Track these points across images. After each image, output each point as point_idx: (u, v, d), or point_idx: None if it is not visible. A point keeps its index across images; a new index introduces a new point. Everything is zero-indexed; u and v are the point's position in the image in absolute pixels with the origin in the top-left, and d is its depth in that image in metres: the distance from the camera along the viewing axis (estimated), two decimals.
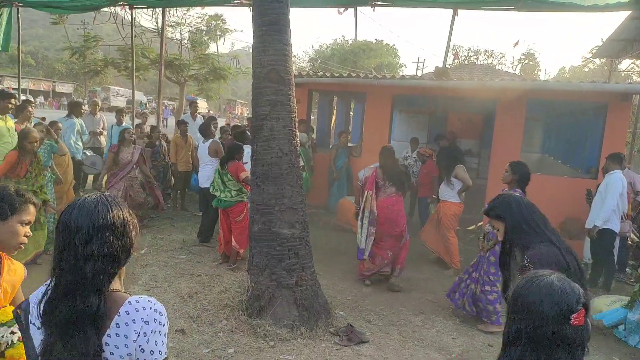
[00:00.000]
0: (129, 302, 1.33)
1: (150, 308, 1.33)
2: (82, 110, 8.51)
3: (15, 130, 6.13)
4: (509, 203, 2.50)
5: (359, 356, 3.80)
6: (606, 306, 4.92)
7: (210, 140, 6.53)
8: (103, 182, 6.82)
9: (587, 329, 1.19)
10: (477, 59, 48.82)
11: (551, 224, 2.43)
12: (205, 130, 6.71)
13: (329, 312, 4.38)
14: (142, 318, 1.31)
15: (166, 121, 16.57)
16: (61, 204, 6.26)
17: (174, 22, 22.18)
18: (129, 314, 1.30)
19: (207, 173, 6.41)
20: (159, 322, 1.33)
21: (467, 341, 4.29)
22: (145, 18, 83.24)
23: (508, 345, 1.22)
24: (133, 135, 6.91)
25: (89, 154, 8.32)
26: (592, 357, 4.15)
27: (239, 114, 45.27)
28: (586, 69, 48.66)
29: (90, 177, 9.49)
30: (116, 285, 1.39)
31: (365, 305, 4.89)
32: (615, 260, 6.06)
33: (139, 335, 1.29)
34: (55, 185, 5.84)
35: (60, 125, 6.76)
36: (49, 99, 40.75)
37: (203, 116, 11.27)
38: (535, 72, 53.64)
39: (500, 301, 4.43)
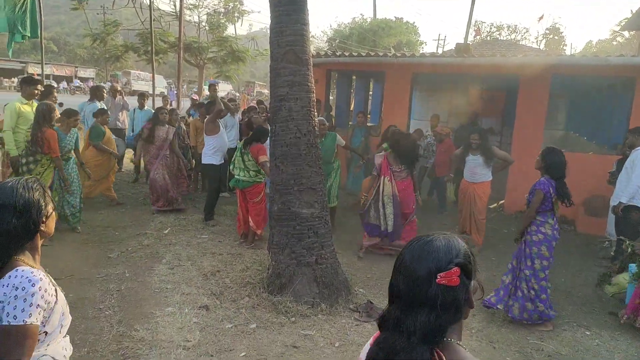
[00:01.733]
0: (16, 269, 1.50)
1: (26, 277, 1.48)
2: (104, 94, 8.66)
3: None
4: None
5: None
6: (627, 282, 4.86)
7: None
8: (139, 161, 6.99)
9: (462, 292, 1.11)
10: (499, 34, 47.61)
11: None
12: (208, 107, 6.94)
13: (348, 289, 4.44)
14: (14, 284, 1.46)
15: (171, 104, 16.86)
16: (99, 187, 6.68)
17: (191, 4, 22.19)
18: (9, 278, 1.47)
19: (206, 149, 6.65)
20: (27, 290, 1.46)
21: (487, 317, 4.30)
22: (164, 1, 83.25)
23: (390, 301, 1.18)
24: (166, 116, 7.09)
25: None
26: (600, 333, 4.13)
27: (257, 93, 45.27)
28: (614, 42, 46.97)
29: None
30: (25, 257, 1.56)
31: (385, 283, 4.90)
32: None
33: (8, 297, 1.45)
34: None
35: (79, 116, 6.95)
36: (71, 84, 41.36)
37: (222, 98, 11.32)
38: (561, 47, 52.06)
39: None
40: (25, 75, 5.83)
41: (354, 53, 9.83)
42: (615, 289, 4.97)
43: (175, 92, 19.81)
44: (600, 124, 9.92)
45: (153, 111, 9.34)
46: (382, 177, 5.72)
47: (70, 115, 5.81)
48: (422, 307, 1.09)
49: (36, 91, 5.81)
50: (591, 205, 7.40)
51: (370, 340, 1.25)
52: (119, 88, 9.95)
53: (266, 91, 41.79)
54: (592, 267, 5.90)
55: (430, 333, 1.07)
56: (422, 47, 36.05)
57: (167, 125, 7.00)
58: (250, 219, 5.78)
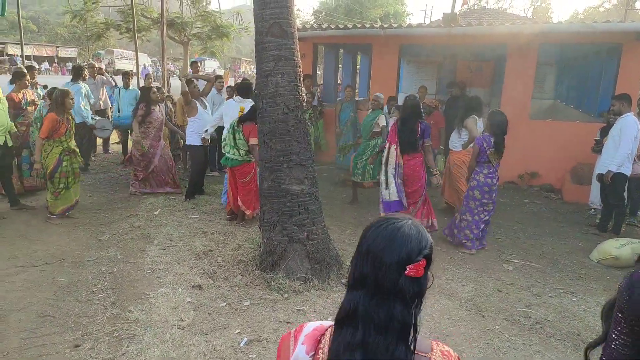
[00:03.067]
0: None
1: None
2: (86, 74, 8.47)
3: (14, 100, 6.19)
4: None
5: None
6: (615, 249, 4.96)
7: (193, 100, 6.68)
8: (142, 146, 6.73)
9: (425, 282, 1.10)
10: (487, 3, 47.03)
11: None
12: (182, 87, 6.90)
13: (340, 264, 4.48)
14: None
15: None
16: None
17: None
18: None
19: (188, 130, 6.66)
20: None
21: (476, 287, 4.38)
22: None
23: (353, 287, 1.11)
24: (158, 94, 6.99)
25: (97, 118, 8.35)
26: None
27: (244, 72, 44.67)
28: (601, 9, 46.75)
29: (99, 141, 9.56)
30: None
31: None
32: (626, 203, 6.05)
33: None
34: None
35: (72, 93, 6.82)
36: (54, 65, 40.41)
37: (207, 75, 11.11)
38: (548, 14, 51.74)
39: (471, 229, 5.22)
40: None
41: (340, 26, 9.68)
42: (601, 255, 5.07)
43: (147, 71, 19.48)
44: (587, 92, 9.95)
45: (138, 90, 9.21)
46: (389, 144, 5.50)
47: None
48: (394, 297, 1.05)
49: None
50: (578, 173, 7.49)
51: (313, 333, 1.17)
52: (97, 66, 9.72)
53: (252, 68, 41.25)
54: (579, 234, 6.00)
55: (406, 327, 1.05)
56: (409, 18, 35.67)
57: (158, 104, 6.93)
58: (239, 199, 5.75)
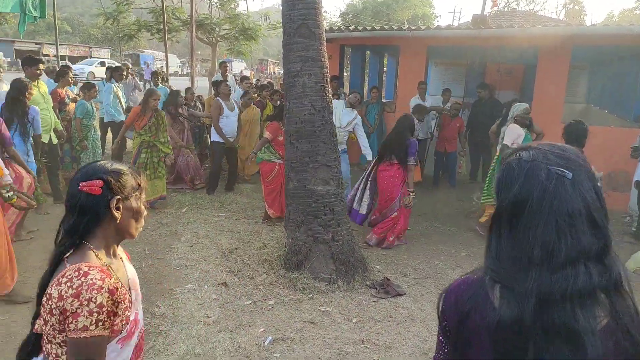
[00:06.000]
0: None
1: None
2: (123, 75, 8.66)
3: (58, 96, 6.36)
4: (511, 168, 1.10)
5: (396, 307, 3.88)
6: None
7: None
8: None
9: (104, 201, 1.40)
10: (517, 5, 46.22)
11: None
12: (216, 86, 7.35)
13: (365, 266, 4.46)
14: None
15: (148, 83, 17.29)
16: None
17: None
18: None
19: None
20: None
21: None
22: None
23: None
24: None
25: None
26: None
27: (270, 73, 45.03)
28: (638, 11, 45.30)
29: (130, 142, 9.74)
30: None
31: (401, 260, 4.94)
32: None
33: None
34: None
35: (97, 88, 7.03)
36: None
37: (234, 76, 11.27)
38: (581, 17, 50.45)
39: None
40: (25, 56, 5.75)
41: (367, 27, 9.65)
42: (637, 264, 4.90)
43: (152, 69, 19.97)
44: (622, 96, 9.65)
45: (167, 89, 9.38)
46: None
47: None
48: (71, 212, 1.41)
49: (38, 71, 5.69)
50: (613, 179, 7.26)
51: None
52: (129, 67, 9.96)
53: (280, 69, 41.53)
54: (613, 243, 5.80)
55: (70, 231, 1.41)
56: (437, 20, 35.39)
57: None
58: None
